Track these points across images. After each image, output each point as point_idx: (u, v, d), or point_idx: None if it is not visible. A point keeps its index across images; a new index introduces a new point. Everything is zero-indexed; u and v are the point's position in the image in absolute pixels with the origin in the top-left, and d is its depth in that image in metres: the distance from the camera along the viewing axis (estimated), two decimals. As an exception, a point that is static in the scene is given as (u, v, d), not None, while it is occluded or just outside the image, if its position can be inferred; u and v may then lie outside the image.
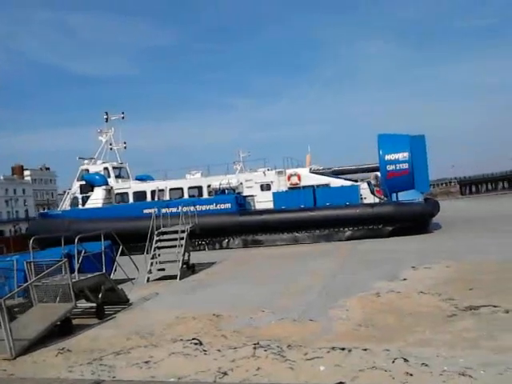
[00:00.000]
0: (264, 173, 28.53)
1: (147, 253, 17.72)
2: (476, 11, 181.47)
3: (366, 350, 7.73)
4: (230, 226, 25.91)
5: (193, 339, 9.06)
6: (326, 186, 26.98)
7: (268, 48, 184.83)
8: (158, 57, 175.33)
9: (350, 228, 24.76)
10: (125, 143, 33.92)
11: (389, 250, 19.89)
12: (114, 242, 15.87)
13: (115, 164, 32.84)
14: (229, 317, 10.76)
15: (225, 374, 7.23)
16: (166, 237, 18.36)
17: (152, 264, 17.56)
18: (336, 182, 27.09)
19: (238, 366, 7.46)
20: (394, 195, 25.84)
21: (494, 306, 9.63)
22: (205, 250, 26.14)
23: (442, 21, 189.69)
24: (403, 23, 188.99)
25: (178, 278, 16.80)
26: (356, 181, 27.66)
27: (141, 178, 32.67)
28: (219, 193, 27.92)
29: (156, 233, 18.28)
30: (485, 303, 9.91)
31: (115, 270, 15.90)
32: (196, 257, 19.79)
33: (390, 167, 25.13)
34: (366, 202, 25.79)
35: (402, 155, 25.14)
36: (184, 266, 17.91)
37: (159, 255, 17.97)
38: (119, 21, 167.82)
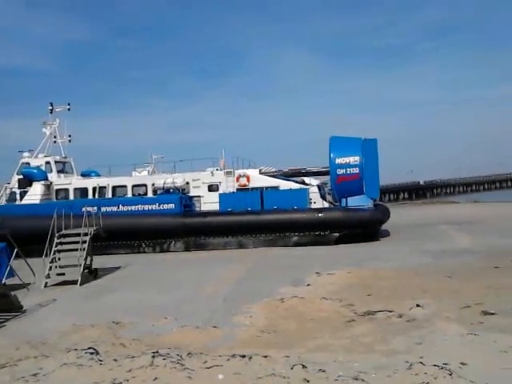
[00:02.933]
0: (212, 173, 26.98)
1: (46, 256, 16.70)
2: (388, 31, 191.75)
3: (266, 356, 7.73)
4: (172, 227, 24.64)
5: (88, 348, 8.59)
6: (276, 188, 25.92)
7: (188, 51, 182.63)
8: (76, 52, 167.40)
9: (297, 233, 23.79)
10: (69, 136, 31.59)
11: (297, 255, 20.25)
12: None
13: (58, 158, 30.59)
14: (129, 324, 10.38)
15: (120, 385, 6.91)
16: (68, 239, 17.44)
17: (51, 268, 16.59)
18: (285, 185, 25.89)
19: (134, 377, 7.17)
20: (343, 200, 24.70)
21: (389, 311, 10.07)
22: (144, 252, 24.97)
23: (355, 37, 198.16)
24: (319, 36, 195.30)
25: (79, 283, 16.01)
26: (307, 184, 26.50)
27: (87, 174, 30.68)
28: (163, 192, 26.56)
29: (57, 235, 17.30)
30: (381, 308, 10.33)
31: (10, 275, 14.86)
32: (100, 262, 18.95)
33: (340, 171, 24.20)
34: (315, 206, 24.68)
35: (353, 159, 24.20)
36: (86, 270, 17.10)
37: (59, 259, 17.03)
38: (37, 13, 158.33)
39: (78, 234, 17.38)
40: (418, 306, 10.35)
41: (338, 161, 24.18)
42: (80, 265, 16.52)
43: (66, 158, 31.19)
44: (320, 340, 8.63)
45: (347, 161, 24.10)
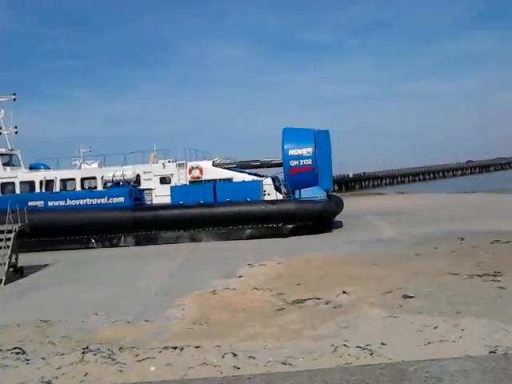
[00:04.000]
0: (163, 165, 26.08)
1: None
2: (315, 27, 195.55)
3: (198, 347, 7.87)
4: (122, 222, 23.68)
5: (14, 348, 8.36)
6: (229, 180, 25.24)
7: (121, 43, 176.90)
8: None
9: (250, 226, 23.21)
10: (16, 127, 29.50)
11: (229, 248, 20.46)
12: None
13: (4, 150, 28.76)
14: (58, 322, 10.16)
15: (48, 383, 6.81)
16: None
17: (-28, 268, 15.82)
18: (239, 177, 25.25)
19: (63, 374, 7.08)
20: (297, 192, 24.25)
21: (318, 299, 10.49)
22: (93, 247, 23.97)
23: (286, 33, 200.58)
24: (254, 30, 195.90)
25: (3, 282, 15.38)
26: (261, 176, 25.82)
27: (35, 167, 28.97)
28: (113, 185, 25.50)
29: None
30: (310, 296, 10.73)
31: None
32: (27, 259, 18.25)
33: (293, 162, 23.81)
34: (269, 198, 24.12)
35: (306, 150, 23.86)
36: (11, 269, 16.44)
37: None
38: None
39: (2, 232, 16.67)
40: (344, 292, 10.84)
41: (291, 152, 23.89)
42: (4, 263, 15.87)
43: (12, 150, 29.38)
44: (251, 329, 8.86)
45: (300, 152, 23.83)
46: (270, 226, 23.08)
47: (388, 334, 7.82)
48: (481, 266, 12.47)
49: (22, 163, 29.34)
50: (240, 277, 13.74)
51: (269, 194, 24.27)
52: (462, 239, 17.43)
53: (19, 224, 17.77)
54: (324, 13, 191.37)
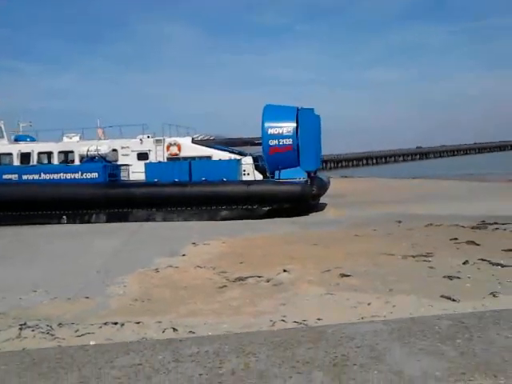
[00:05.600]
0: (141, 140, 25.12)
1: None
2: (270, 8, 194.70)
3: (138, 323, 7.93)
4: (94, 198, 22.90)
5: None
6: (208, 158, 24.26)
7: (63, 15, 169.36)
8: None
9: (224, 207, 22.36)
10: None
11: (175, 227, 20.45)
12: None
13: None
14: (-6, 298, 9.92)
15: (-17, 358, 6.70)
16: None
17: None
18: (219, 155, 24.18)
19: (-1, 349, 6.98)
20: (277, 173, 23.17)
21: (259, 277, 10.74)
22: (64, 223, 23.12)
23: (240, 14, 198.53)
24: (201, 11, 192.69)
25: None
26: (245, 155, 24.73)
27: (21, 139, 27.66)
28: (88, 160, 24.60)
29: None
30: (251, 274, 10.97)
31: None
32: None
33: (273, 142, 22.70)
34: (248, 178, 23.30)
35: (287, 129, 22.70)
36: None
37: None
38: None
39: None
40: (284, 271, 11.15)
41: (271, 131, 22.81)
42: None
43: None
44: (192, 305, 9.00)
45: (280, 131, 22.76)
46: (244, 207, 22.32)
47: (324, 310, 8.16)
48: (415, 248, 13.11)
49: (5, 134, 28.04)
50: (183, 255, 13.81)
51: (248, 174, 23.50)
52: (400, 222, 18.19)
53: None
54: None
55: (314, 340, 4.37)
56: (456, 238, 14.01)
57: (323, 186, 24.92)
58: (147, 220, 22.57)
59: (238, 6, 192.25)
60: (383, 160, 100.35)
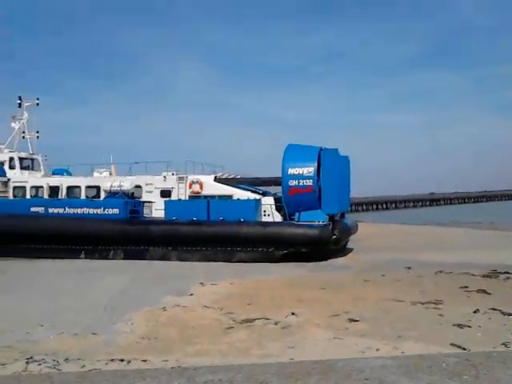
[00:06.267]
0: (164, 177, 24.92)
1: None
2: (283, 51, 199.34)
3: (145, 361, 7.90)
4: (112, 234, 22.95)
5: (-46, 357, 8.15)
6: (229, 197, 23.64)
7: (78, 50, 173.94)
8: None
9: (239, 248, 21.56)
10: (37, 132, 29.95)
11: (183, 266, 20.43)
12: None
13: (24, 154, 28.82)
14: (2, 331, 9.94)
15: (-11, 391, 6.70)
16: None
17: None
18: (240, 194, 23.57)
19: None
20: (296, 215, 22.23)
21: (266, 319, 10.69)
22: (82, 258, 23.32)
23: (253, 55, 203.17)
24: (215, 50, 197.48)
25: None
26: (265, 194, 24.15)
27: (58, 172, 28.62)
28: (110, 196, 24.85)
29: None
30: (259, 316, 10.92)
31: None
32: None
33: (293, 182, 21.84)
34: (269, 219, 22.49)
35: (307, 170, 21.82)
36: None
37: None
38: None
39: None
40: (293, 314, 11.09)
41: (291, 171, 21.94)
42: None
43: (33, 154, 29.63)
44: (199, 346, 8.95)
45: (300, 171, 21.88)
46: (260, 249, 21.41)
47: (332, 354, 8.07)
48: (424, 294, 12.99)
49: (42, 168, 29.61)
50: (191, 295, 13.79)
51: (269, 215, 22.68)
52: (409, 268, 18.07)
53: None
54: (288, 38, 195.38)
55: (324, 372, 4.44)
56: (466, 286, 13.89)
57: (347, 231, 23.68)
58: (163, 259, 22.23)
59: (252, 46, 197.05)
60: (393, 205, 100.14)
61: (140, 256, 22.61)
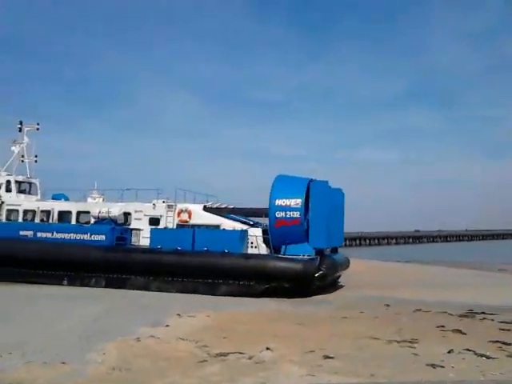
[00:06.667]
0: (154, 205, 24.63)
1: None
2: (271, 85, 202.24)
3: (113, 393, 7.77)
4: (95, 261, 22.64)
5: None
6: (216, 227, 23.14)
7: (65, 78, 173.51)
8: None
9: (220, 281, 20.93)
10: (36, 156, 30.34)
11: (163, 296, 20.18)
12: None
13: (21, 178, 29.11)
14: (-32, 359, 9.71)
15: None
16: None
17: None
18: (227, 225, 23.08)
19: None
20: (283, 248, 21.66)
21: (241, 353, 10.59)
22: (64, 285, 23.03)
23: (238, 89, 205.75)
24: (203, 83, 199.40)
25: None
26: (255, 225, 23.66)
27: (57, 198, 28.59)
28: (98, 222, 24.65)
29: None
30: (234, 350, 10.81)
31: None
32: None
33: (280, 214, 21.24)
34: (256, 251, 21.81)
35: (295, 201, 21.19)
36: None
37: None
38: None
39: None
40: (268, 349, 11.00)
41: (278, 202, 21.38)
42: None
43: (30, 178, 29.92)
44: (170, 379, 8.84)
45: (288, 203, 21.26)
46: (241, 283, 20.68)
47: (303, 391, 8.03)
48: (400, 333, 12.98)
49: (39, 192, 29.90)
50: (167, 326, 13.63)
51: (255, 247, 22.01)
52: (388, 306, 18.07)
53: None
54: (274, 72, 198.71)
55: None
56: (443, 326, 13.92)
57: (335, 266, 22.63)
58: (144, 289, 21.78)
59: (238, 81, 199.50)
60: (376, 241, 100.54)
61: (121, 285, 22.26)
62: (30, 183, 29.92)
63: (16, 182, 28.80)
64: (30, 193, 29.63)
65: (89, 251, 23.15)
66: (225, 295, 20.34)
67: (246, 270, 20.64)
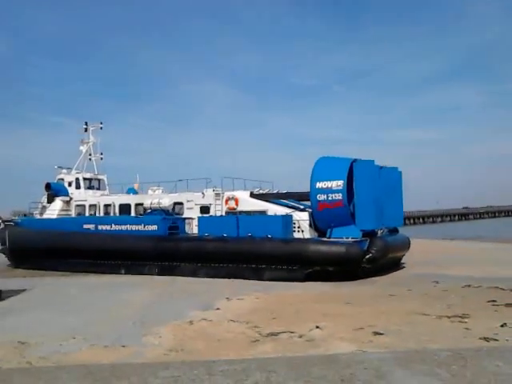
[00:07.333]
0: (203, 194, 25.36)
1: None
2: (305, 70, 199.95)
3: (173, 372, 8.12)
4: (147, 250, 23.81)
5: (-8, 367, 8.52)
6: (263, 213, 23.32)
7: (105, 72, 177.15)
8: None
9: (263, 266, 20.96)
10: (101, 154, 32.79)
11: (210, 282, 20.67)
12: None
13: (88, 175, 31.60)
14: (35, 344, 10.33)
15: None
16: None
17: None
18: (273, 210, 23.16)
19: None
20: (328, 231, 21.10)
21: (291, 332, 10.82)
22: (122, 273, 24.31)
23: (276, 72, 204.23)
24: (240, 68, 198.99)
25: (-18, 305, 15.38)
26: (305, 209, 23.18)
27: (130, 192, 30.37)
28: (150, 213, 26.00)
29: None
30: (284, 330, 11.07)
31: None
32: (4, 284, 18.32)
33: (321, 197, 20.88)
34: (303, 236, 21.71)
35: (336, 183, 20.73)
36: (-11, 292, 16.49)
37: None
38: None
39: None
40: (317, 327, 11.20)
41: (319, 185, 21.01)
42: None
43: (97, 174, 32.18)
44: (225, 358, 9.13)
45: (329, 185, 20.82)
46: (283, 267, 20.60)
47: (355, 366, 8.17)
48: (450, 308, 12.93)
49: (107, 187, 32.29)
50: (217, 309, 14.02)
51: (302, 231, 21.96)
52: (436, 282, 17.93)
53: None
54: (311, 58, 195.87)
55: (326, 363, 4.65)
56: (494, 300, 13.77)
57: (389, 248, 21.44)
58: (193, 275, 22.39)
59: (275, 66, 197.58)
60: (421, 220, 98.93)
61: (172, 272, 23.11)
62: (99, 179, 31.99)
63: (84, 179, 31.00)
64: (99, 188, 31.70)
65: (142, 241, 24.21)
66: (269, 280, 20.38)
67: (287, 254, 20.60)
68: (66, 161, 34.82)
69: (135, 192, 29.86)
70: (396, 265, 23.49)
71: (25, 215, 31.96)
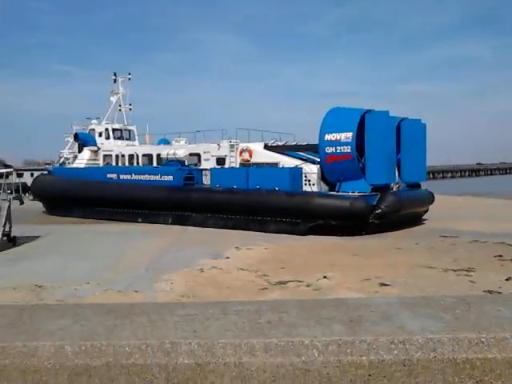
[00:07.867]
0: (219, 145, 25.27)
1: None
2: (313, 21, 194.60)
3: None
4: (163, 200, 24.25)
5: (11, 307, 8.86)
6: (275, 165, 23.06)
7: (113, 23, 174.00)
8: None
9: (268, 219, 20.84)
10: (130, 105, 33.33)
11: (217, 231, 21.01)
12: None
13: (117, 126, 32.08)
14: (52, 288, 10.69)
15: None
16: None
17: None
18: (285, 162, 22.79)
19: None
20: (338, 185, 20.68)
21: (299, 281, 11.09)
22: (139, 222, 24.73)
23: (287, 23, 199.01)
24: (248, 20, 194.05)
25: (-3, 250, 15.82)
26: (314, 162, 22.25)
27: (162, 143, 30.64)
28: (166, 163, 26.41)
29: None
30: (292, 279, 11.34)
31: None
32: (19, 230, 18.69)
33: (330, 149, 20.35)
34: (312, 189, 21.26)
35: (345, 135, 19.96)
36: (4, 238, 16.91)
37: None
38: None
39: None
40: (324, 277, 11.46)
41: (328, 137, 20.39)
42: (-2, 232, 16.34)
43: (127, 125, 32.60)
44: (238, 300, 9.42)
45: (338, 137, 20.13)
46: (287, 220, 20.36)
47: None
48: (456, 262, 13.11)
49: (136, 137, 32.81)
50: (227, 258, 14.32)
51: (313, 185, 21.37)
52: (444, 237, 18.07)
53: (14, 195, 18.21)
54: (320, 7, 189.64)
55: (336, 305, 4.86)
56: (501, 256, 13.90)
57: (400, 204, 20.48)
58: (202, 225, 22.64)
59: (285, 16, 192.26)
60: (430, 175, 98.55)
61: (184, 222, 23.45)
62: (129, 130, 32.35)
63: (113, 129, 31.37)
64: (129, 139, 32.09)
65: (158, 191, 24.60)
66: (273, 232, 20.26)
67: (291, 207, 20.32)
68: (76, 110, 35.18)
69: (166, 142, 29.83)
70: (416, 220, 22.71)
71: (60, 164, 32.57)
